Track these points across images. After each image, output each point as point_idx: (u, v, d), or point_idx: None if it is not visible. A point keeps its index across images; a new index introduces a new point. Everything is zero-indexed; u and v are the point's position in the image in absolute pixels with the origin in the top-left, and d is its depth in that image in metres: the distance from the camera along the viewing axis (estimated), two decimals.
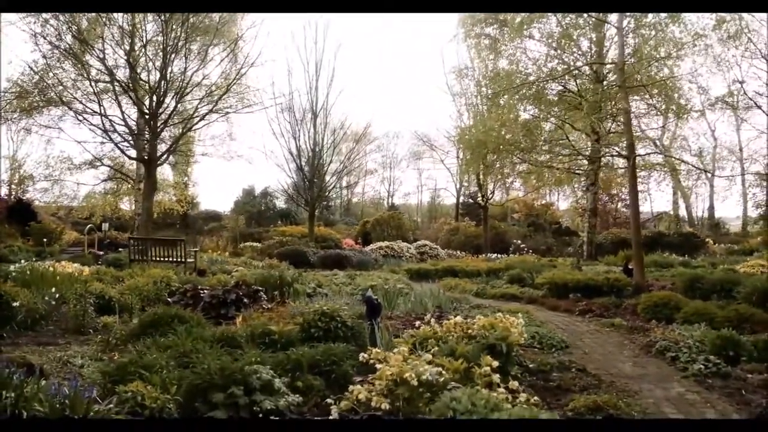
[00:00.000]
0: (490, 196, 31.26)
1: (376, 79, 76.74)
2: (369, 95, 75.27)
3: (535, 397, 5.04)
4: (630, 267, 13.71)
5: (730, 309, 8.79)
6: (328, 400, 5.02)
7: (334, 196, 63.83)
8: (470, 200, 38.13)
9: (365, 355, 5.45)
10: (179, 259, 15.58)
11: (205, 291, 10.53)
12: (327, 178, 29.72)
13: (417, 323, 7.31)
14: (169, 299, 10.82)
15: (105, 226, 30.19)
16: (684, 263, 20.42)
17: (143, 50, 21.10)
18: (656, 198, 48.79)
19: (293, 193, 29.69)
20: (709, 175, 36.86)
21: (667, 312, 9.66)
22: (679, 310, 9.42)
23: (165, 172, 35.99)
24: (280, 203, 50.83)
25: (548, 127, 21.06)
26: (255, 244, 29.08)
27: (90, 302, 9.27)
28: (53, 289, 9.72)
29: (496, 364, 5.11)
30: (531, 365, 6.58)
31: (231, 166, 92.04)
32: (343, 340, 6.88)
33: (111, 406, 4.63)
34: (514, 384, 5.05)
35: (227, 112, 23.45)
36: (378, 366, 4.96)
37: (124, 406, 4.69)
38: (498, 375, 5.07)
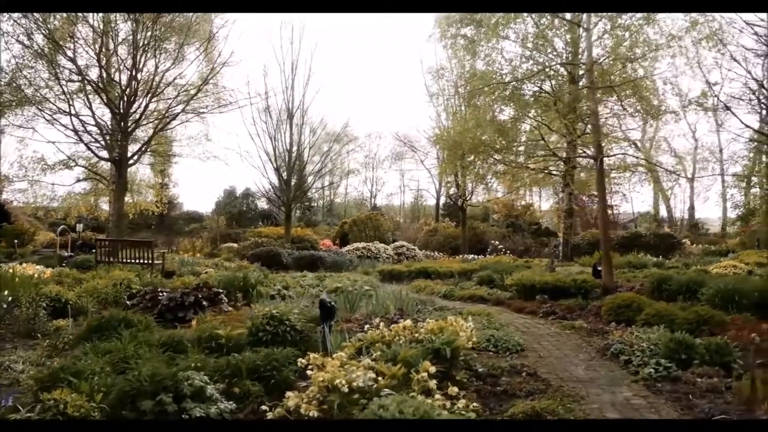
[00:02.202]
0: (469, 196, 31.17)
1: (358, 80, 76.54)
2: (351, 96, 75.06)
3: (475, 404, 4.95)
4: (599, 268, 13.64)
5: (690, 311, 8.73)
6: (264, 407, 4.90)
7: (317, 196, 63.69)
8: (450, 201, 38.08)
9: (303, 361, 5.32)
10: (147, 261, 15.36)
11: (164, 293, 10.36)
12: (303, 179, 29.55)
13: (368, 327, 7.17)
14: (128, 302, 10.65)
15: (79, 226, 29.83)
16: (658, 264, 20.42)
17: (115, 50, 20.80)
18: (638, 198, 49.03)
19: (270, 195, 29.44)
20: (682, 177, 37.04)
21: (629, 314, 9.59)
22: (642, 312, 9.36)
23: (143, 173, 35.78)
24: (262, 204, 50.61)
25: (524, 128, 21.04)
26: (234, 244, 28.87)
27: (43, 305, 9.09)
28: (6, 292, 9.52)
29: (433, 369, 5.01)
30: (481, 369, 6.47)
31: (215, 167, 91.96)
32: (291, 344, 6.74)
33: (31, 414, 4.48)
34: (453, 390, 4.94)
35: (200, 113, 23.21)
36: (309, 372, 4.84)
37: (47, 415, 4.54)
38: (435, 381, 4.96)
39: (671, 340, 6.84)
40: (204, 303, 10.07)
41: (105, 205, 35.32)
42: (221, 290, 10.89)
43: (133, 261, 15.46)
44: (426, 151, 39.98)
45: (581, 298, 11.90)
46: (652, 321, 8.76)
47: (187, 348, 6.64)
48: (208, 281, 11.53)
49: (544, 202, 46.96)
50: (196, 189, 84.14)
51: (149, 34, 20.35)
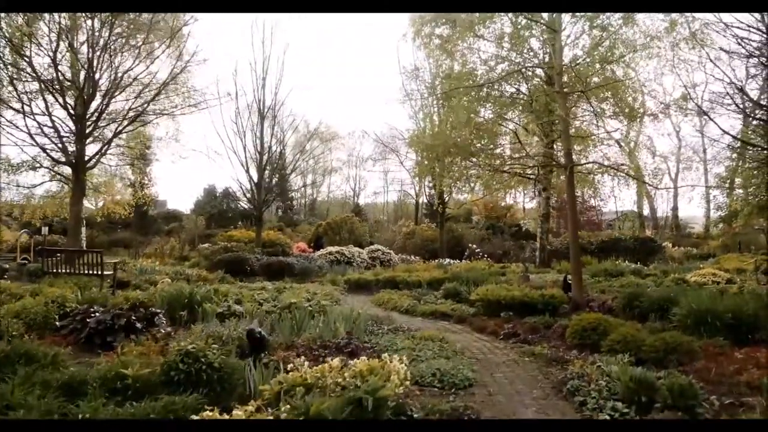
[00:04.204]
0: (447, 198, 30.49)
1: (341, 79, 75.75)
2: (334, 96, 74.33)
3: None
4: (569, 281, 12.98)
5: (658, 337, 8.06)
6: None
7: (299, 195, 62.94)
8: (428, 202, 37.37)
9: (195, 418, 4.59)
10: (96, 272, 14.53)
11: (97, 314, 9.56)
12: (276, 179, 28.78)
13: (292, 360, 6.41)
14: (57, 323, 9.86)
15: (45, 229, 28.89)
16: (636, 271, 19.84)
17: (73, 49, 19.80)
18: (623, 197, 48.48)
19: (240, 196, 28.65)
20: (659, 188, 36.51)
21: (594, 338, 8.90)
22: (607, 336, 8.67)
23: (122, 173, 35.06)
24: (244, 203, 49.79)
25: (501, 130, 20.39)
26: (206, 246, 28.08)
27: None
28: None
29: None
30: (417, 414, 5.75)
31: (200, 165, 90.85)
32: (206, 385, 6.00)
33: None
34: None
35: (164, 113, 22.28)
36: None
37: None
38: None
39: (631, 379, 6.16)
40: (138, 325, 9.29)
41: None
42: (159, 310, 10.10)
43: (81, 272, 14.63)
44: (406, 151, 39.32)
45: (549, 316, 11.25)
46: (618, 348, 8.10)
47: (88, 390, 5.90)
48: (144, 299, 10.70)
49: (528, 202, 46.38)
50: (183, 187, 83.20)
51: (108, 32, 19.43)
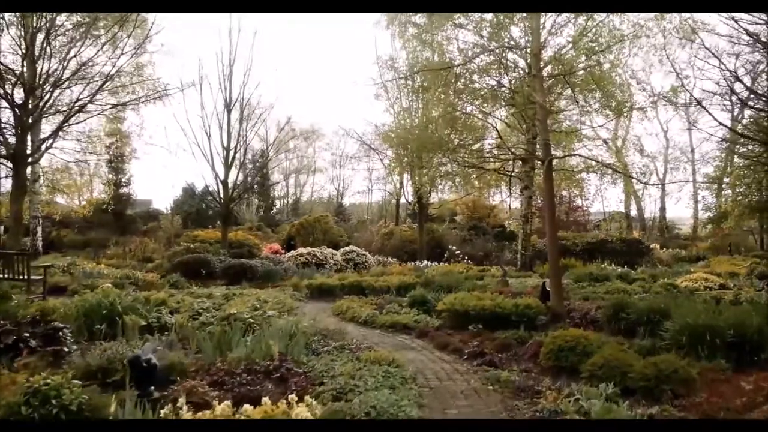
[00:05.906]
0: (427, 197, 29.04)
1: (321, 73, 74.13)
2: (316, 92, 72.77)
3: None
4: (548, 288, 11.58)
5: (649, 363, 6.66)
6: None
7: (281, 194, 61.40)
8: (406, 202, 35.88)
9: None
10: (22, 277, 13.00)
11: None
12: (257, 177, 27.29)
13: (198, 391, 4.96)
14: None
15: (0, 229, 27.43)
16: (622, 275, 18.50)
17: (24, 38, 18.20)
18: (611, 197, 47.09)
19: (206, 195, 27.13)
20: (649, 185, 35.42)
21: (573, 359, 7.53)
22: (588, 358, 7.28)
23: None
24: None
25: (479, 125, 19.10)
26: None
27: None
28: None
29: None
30: None
31: (183, 163, 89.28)
32: None
33: None
34: None
35: (117, 105, 20.76)
36: None
37: None
38: None
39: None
40: (32, 343, 7.79)
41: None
42: (63, 325, 8.57)
43: (3, 276, 13.09)
44: (385, 149, 37.86)
45: (524, 329, 9.84)
46: (601, 374, 6.72)
47: None
48: (47, 313, 9.15)
49: (514, 201, 44.89)
50: (170, 186, 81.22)
51: (47, 17, 17.81)
